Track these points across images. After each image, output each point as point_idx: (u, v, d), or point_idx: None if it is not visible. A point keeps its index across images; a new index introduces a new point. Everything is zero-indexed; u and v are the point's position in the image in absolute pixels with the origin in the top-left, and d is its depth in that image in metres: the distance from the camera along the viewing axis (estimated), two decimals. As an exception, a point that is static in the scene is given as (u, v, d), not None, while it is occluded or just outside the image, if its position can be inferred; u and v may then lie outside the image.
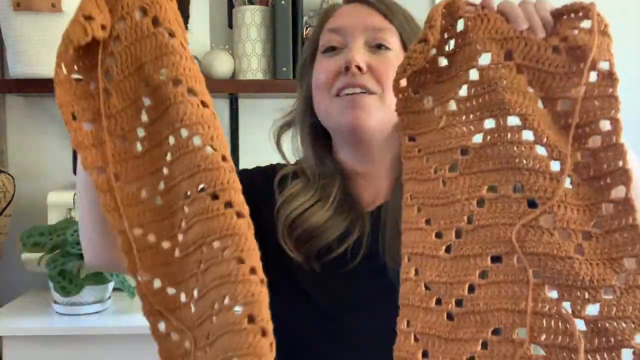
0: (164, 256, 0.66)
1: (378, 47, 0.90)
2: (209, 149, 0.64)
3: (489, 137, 0.59)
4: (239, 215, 0.62)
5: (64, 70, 0.65)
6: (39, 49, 1.82)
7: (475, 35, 0.60)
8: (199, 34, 2.07)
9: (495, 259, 0.57)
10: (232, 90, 1.97)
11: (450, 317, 0.58)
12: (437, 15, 0.62)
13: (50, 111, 2.10)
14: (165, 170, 0.66)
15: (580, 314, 0.53)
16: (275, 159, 1.04)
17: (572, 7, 0.60)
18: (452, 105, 0.62)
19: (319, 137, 0.97)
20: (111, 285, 1.71)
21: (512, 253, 0.55)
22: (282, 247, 0.91)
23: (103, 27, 0.64)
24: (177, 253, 0.66)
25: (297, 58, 1.95)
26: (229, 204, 0.62)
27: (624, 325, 0.51)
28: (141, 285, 0.66)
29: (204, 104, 0.67)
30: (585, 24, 0.58)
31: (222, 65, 1.94)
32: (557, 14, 0.61)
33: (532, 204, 0.56)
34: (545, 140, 0.56)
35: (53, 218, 1.88)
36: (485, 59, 0.61)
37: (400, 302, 0.61)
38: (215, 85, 1.94)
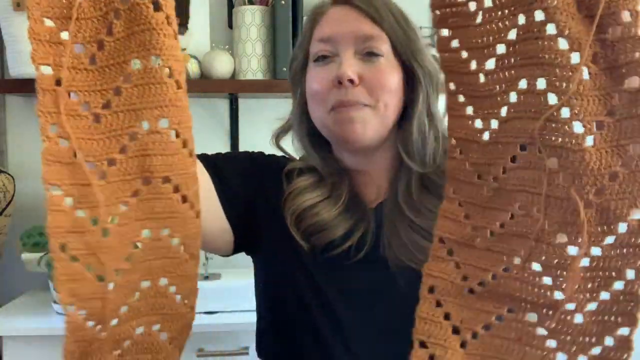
0: (84, 175, 0.64)
1: (369, 54, 0.90)
2: (176, 85, 0.65)
3: (521, 33, 0.63)
4: (191, 155, 0.67)
5: None
6: (39, 49, 1.82)
7: None
8: (199, 34, 2.07)
9: (523, 148, 0.64)
10: (232, 90, 1.98)
11: (488, 190, 0.66)
12: None
13: (50, 111, 2.09)
14: (114, 93, 0.65)
15: (587, 197, 0.59)
16: (275, 159, 1.04)
17: None
18: (488, 1, 0.64)
19: (317, 138, 0.98)
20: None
21: (534, 144, 0.62)
22: (288, 231, 0.93)
23: None
24: (113, 178, 0.65)
25: (297, 58, 1.95)
26: (185, 144, 0.67)
27: (622, 203, 0.59)
28: (52, 199, 0.63)
29: (175, 35, 0.66)
30: None
31: (222, 65, 1.94)
32: None
33: (553, 98, 0.61)
34: (567, 32, 0.59)
35: (53, 218, 1.87)
36: None
37: (448, 176, 0.68)
38: (215, 85, 1.94)
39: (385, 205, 0.96)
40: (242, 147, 2.12)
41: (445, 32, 0.66)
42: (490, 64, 0.66)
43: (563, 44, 0.60)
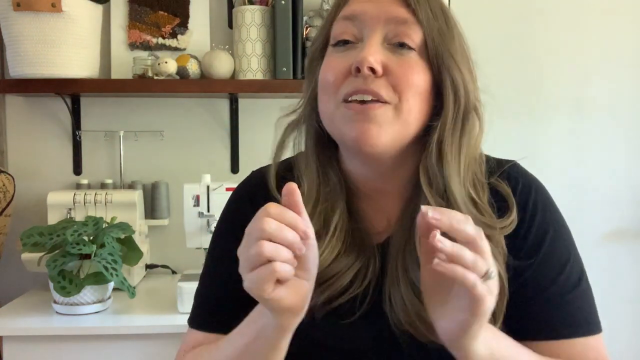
0: None
1: (399, 45, 0.75)
2: None
3: None
4: None
5: None
6: (39, 49, 1.82)
7: None
8: (199, 34, 2.07)
9: None
10: (232, 90, 1.98)
11: None
12: None
13: (50, 111, 2.10)
14: None
15: None
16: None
17: None
18: None
19: (324, 143, 0.83)
20: (111, 285, 1.71)
21: None
22: None
23: None
24: None
25: (297, 58, 1.95)
26: None
27: None
28: None
29: None
30: None
31: (222, 65, 1.94)
32: None
33: None
34: None
35: (53, 218, 1.88)
36: None
37: None
38: (215, 85, 1.94)
39: (392, 243, 0.80)
40: (242, 146, 2.12)
41: None
42: None
43: None
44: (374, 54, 0.73)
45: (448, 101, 0.75)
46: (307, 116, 0.84)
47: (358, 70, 0.73)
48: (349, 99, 0.74)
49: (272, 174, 0.85)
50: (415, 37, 0.75)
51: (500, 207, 0.80)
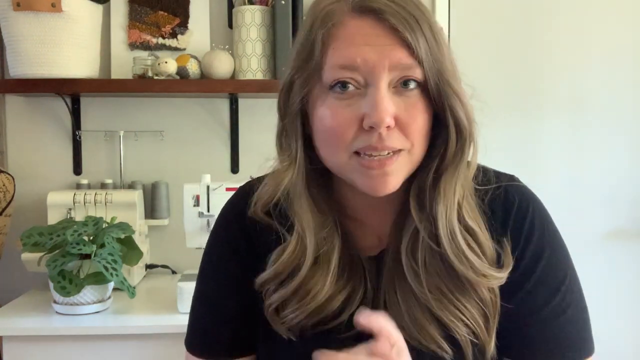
0: None
1: (403, 84, 0.73)
2: None
3: None
4: None
5: None
6: (39, 49, 1.82)
7: None
8: (199, 34, 2.07)
9: None
10: (232, 90, 1.98)
11: None
12: None
13: (50, 111, 2.10)
14: None
15: None
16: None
17: None
18: None
19: (315, 175, 0.82)
20: (111, 285, 1.71)
21: None
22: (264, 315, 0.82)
23: None
24: None
25: (297, 58, 1.95)
26: None
27: None
28: None
29: None
30: None
31: (222, 65, 1.94)
32: None
33: None
34: None
35: (53, 218, 1.88)
36: None
37: None
38: (215, 85, 1.94)
39: (386, 257, 0.81)
40: (242, 146, 2.12)
41: None
42: None
43: None
44: (388, 110, 0.71)
45: (451, 138, 0.76)
46: (300, 159, 0.80)
47: (371, 127, 0.72)
48: (362, 153, 0.74)
49: (259, 205, 0.85)
50: (417, 77, 0.73)
51: (494, 223, 0.81)
